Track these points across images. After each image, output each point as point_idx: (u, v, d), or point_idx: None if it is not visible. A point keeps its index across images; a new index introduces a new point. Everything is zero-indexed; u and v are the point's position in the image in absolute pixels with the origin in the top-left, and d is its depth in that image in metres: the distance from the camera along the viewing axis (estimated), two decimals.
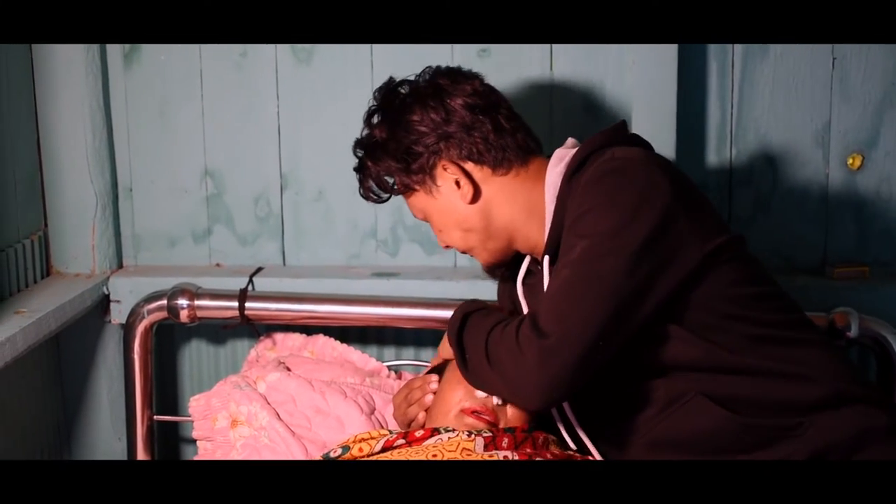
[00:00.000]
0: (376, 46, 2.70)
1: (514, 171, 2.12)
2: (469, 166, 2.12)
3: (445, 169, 2.12)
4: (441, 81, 2.15)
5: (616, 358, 1.92)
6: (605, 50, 2.63)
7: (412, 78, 2.20)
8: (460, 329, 2.06)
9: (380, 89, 2.22)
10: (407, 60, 2.64)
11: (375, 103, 2.22)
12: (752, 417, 1.89)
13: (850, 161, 2.63)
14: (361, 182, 2.25)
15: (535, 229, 2.12)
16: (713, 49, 2.62)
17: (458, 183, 2.12)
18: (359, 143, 2.24)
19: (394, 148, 2.14)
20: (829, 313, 2.44)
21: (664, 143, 2.54)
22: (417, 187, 2.17)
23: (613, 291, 1.85)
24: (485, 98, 2.14)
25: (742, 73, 2.63)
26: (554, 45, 2.65)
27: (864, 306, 2.47)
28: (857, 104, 2.62)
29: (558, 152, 2.12)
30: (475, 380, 2.03)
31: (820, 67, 2.62)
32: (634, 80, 2.56)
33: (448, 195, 2.14)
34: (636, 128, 2.55)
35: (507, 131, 2.13)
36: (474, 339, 2.01)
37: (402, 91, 2.18)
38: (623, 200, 1.89)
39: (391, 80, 2.23)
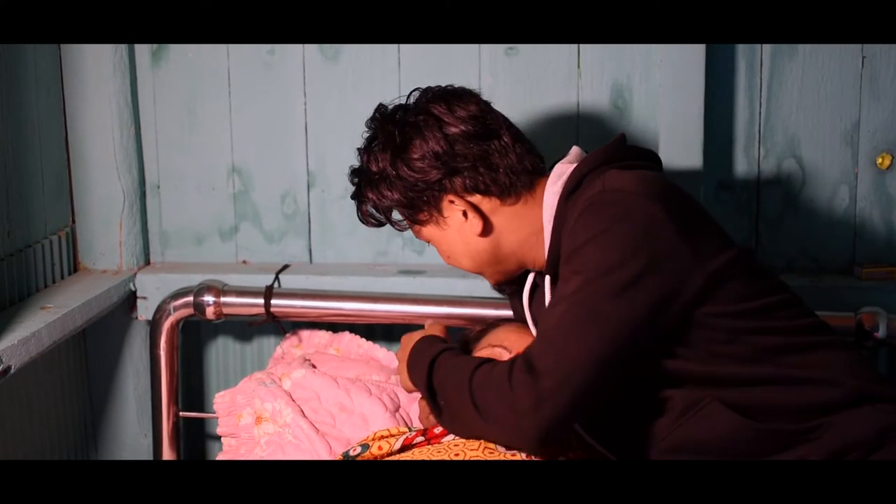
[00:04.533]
0: (403, 45, 2.69)
1: (522, 198, 2.08)
2: (476, 199, 2.07)
3: (452, 202, 2.08)
4: (436, 109, 2.07)
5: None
6: (632, 48, 2.62)
7: (406, 102, 2.14)
8: (429, 373, 2.00)
9: (374, 119, 2.15)
10: (434, 58, 2.66)
11: (371, 133, 2.15)
12: (769, 423, 1.86)
13: (880, 161, 2.61)
14: (359, 207, 2.19)
15: (542, 249, 2.07)
16: (741, 47, 2.61)
17: (465, 215, 2.07)
18: (357, 173, 2.17)
19: (398, 185, 2.09)
20: (856, 314, 2.42)
21: (691, 142, 2.54)
22: (424, 221, 2.13)
23: (613, 329, 1.81)
24: (484, 123, 2.08)
25: (770, 71, 2.62)
26: (581, 44, 2.64)
27: (892, 307, 2.46)
28: (886, 103, 2.60)
29: (558, 168, 2.07)
30: (456, 426, 1.97)
31: (849, 66, 2.60)
32: (662, 78, 2.55)
33: (456, 227, 2.10)
34: (663, 127, 2.55)
35: (514, 156, 2.08)
36: (453, 383, 1.95)
37: (398, 121, 2.10)
38: (616, 235, 1.84)
39: (382, 107, 2.16)
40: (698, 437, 1.89)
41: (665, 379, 1.91)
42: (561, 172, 2.05)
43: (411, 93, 2.14)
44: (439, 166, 2.05)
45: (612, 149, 2.05)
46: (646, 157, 2.10)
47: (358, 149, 2.17)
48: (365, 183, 2.15)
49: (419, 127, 2.06)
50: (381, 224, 2.19)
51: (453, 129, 2.06)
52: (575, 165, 2.03)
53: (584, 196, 1.93)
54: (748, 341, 1.88)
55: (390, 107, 2.14)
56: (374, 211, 2.17)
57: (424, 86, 2.14)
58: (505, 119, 2.13)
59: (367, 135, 2.15)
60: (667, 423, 1.92)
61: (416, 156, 2.06)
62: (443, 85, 2.13)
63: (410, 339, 2.16)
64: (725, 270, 1.87)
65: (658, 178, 1.97)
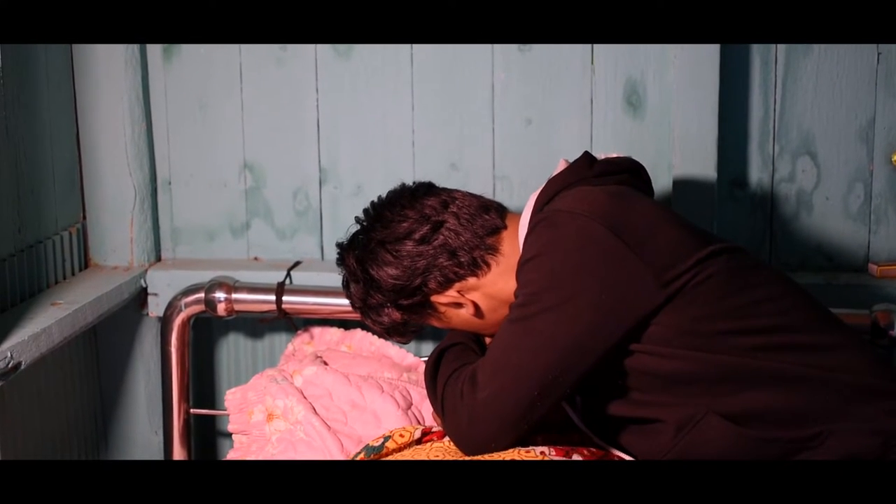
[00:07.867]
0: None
1: (493, 260, 2.12)
2: (455, 289, 2.13)
3: (439, 301, 2.14)
4: (378, 235, 2.15)
5: (611, 394, 1.95)
6: (646, 45, 2.60)
7: (356, 232, 2.22)
8: (435, 368, 2.12)
9: (336, 260, 2.25)
10: (447, 54, 2.65)
11: (341, 271, 2.26)
12: (768, 431, 1.83)
13: (895, 158, 2.60)
14: (373, 330, 2.32)
15: None
16: (756, 44, 2.60)
17: (456, 305, 2.14)
18: (354, 308, 2.28)
19: (386, 308, 2.19)
20: (871, 311, 2.41)
21: (706, 139, 2.52)
22: (429, 318, 2.21)
23: (549, 346, 1.86)
24: (426, 220, 2.13)
25: (785, 68, 2.60)
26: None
27: None
28: None
29: (534, 194, 2.09)
30: (440, 420, 2.08)
31: (864, 63, 2.58)
32: (676, 75, 2.54)
33: (456, 315, 2.17)
34: (677, 124, 2.53)
35: (466, 231, 2.12)
36: (440, 380, 2.06)
37: (356, 258, 2.18)
38: (554, 255, 1.89)
39: (338, 245, 2.25)
40: (697, 453, 1.87)
41: (652, 389, 1.92)
42: (530, 203, 2.08)
43: (360, 219, 2.24)
44: (405, 283, 2.12)
45: (579, 167, 2.09)
46: (618, 169, 2.10)
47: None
48: (363, 314, 2.25)
49: (374, 257, 2.15)
50: (407, 335, 2.29)
51: (402, 247, 2.12)
52: (542, 188, 2.08)
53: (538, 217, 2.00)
54: (728, 342, 1.86)
55: (345, 241, 2.24)
56: (387, 330, 2.25)
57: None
58: (446, 193, 2.19)
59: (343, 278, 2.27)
60: (664, 442, 1.91)
61: (383, 281, 2.14)
62: (380, 196, 2.24)
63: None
64: (697, 273, 1.86)
65: (614, 193, 1.99)
